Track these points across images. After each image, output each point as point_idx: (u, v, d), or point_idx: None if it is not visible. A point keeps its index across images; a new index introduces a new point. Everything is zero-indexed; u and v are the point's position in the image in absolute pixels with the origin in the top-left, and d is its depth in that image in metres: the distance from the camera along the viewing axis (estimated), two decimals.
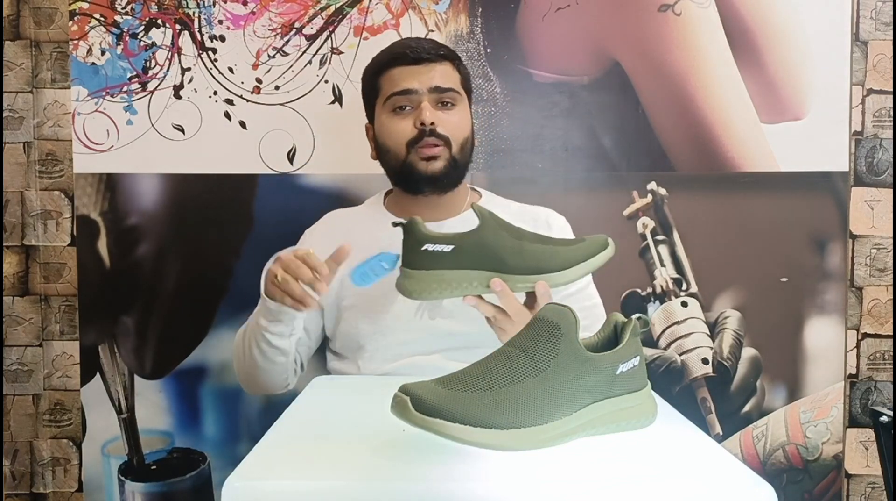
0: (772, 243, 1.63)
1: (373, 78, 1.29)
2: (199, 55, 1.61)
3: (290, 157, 1.61)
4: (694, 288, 1.64)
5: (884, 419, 1.18)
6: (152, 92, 1.61)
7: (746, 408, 1.65)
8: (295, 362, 1.30)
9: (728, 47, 1.60)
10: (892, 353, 1.67)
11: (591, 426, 0.79)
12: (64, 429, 1.68)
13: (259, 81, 1.60)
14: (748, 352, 1.64)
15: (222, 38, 1.60)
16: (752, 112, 1.60)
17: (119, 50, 1.61)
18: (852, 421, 1.67)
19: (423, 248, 1.02)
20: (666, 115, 1.61)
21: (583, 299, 1.29)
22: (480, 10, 1.60)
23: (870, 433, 1.66)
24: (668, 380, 1.64)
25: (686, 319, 1.64)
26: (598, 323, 1.30)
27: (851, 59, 1.62)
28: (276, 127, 1.61)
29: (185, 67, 1.60)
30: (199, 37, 1.60)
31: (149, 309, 1.64)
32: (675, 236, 1.64)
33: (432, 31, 1.60)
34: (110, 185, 1.62)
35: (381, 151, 1.29)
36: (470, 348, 1.19)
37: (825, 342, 1.65)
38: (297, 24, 1.60)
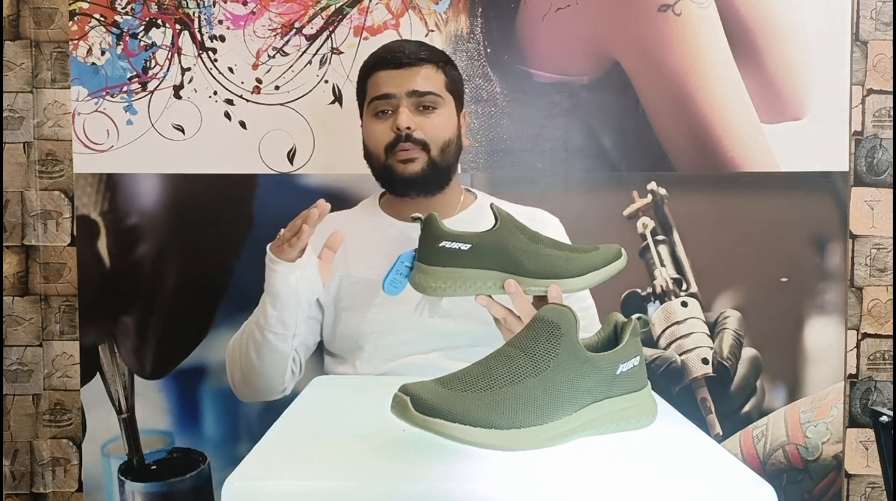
0: (772, 243, 1.63)
1: (361, 81, 1.31)
2: (199, 55, 1.61)
3: (290, 157, 1.61)
4: (694, 288, 1.64)
5: (884, 419, 1.18)
6: (152, 92, 1.61)
7: (746, 408, 1.65)
8: (294, 362, 1.30)
9: (728, 47, 1.60)
10: (892, 353, 1.67)
11: (591, 426, 0.80)
12: (64, 429, 1.68)
13: (259, 81, 1.60)
14: (748, 352, 1.64)
15: (222, 38, 1.60)
16: (752, 112, 1.60)
17: (119, 50, 1.61)
18: (852, 421, 1.67)
19: (440, 245, 1.02)
20: (666, 115, 1.61)
21: (578, 301, 1.29)
22: (480, 10, 1.60)
23: (870, 433, 1.66)
24: (668, 380, 1.64)
25: (686, 319, 1.64)
26: (593, 324, 1.31)
27: (851, 59, 1.62)
28: (275, 127, 1.61)
29: (185, 66, 1.61)
30: (199, 37, 1.60)
31: (149, 309, 1.64)
32: (675, 236, 1.64)
33: (432, 31, 1.60)
34: (110, 185, 1.62)
35: (366, 153, 1.30)
36: (468, 347, 1.20)
37: (825, 342, 1.65)
38: (297, 24, 1.60)
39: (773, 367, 1.64)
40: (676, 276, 1.64)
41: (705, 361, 1.64)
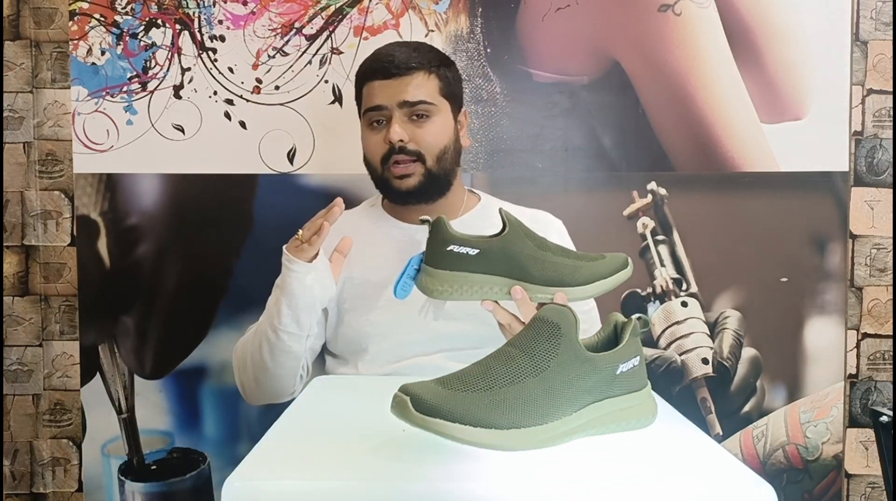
0: (772, 243, 1.63)
1: (358, 87, 1.31)
2: (199, 55, 1.61)
3: (290, 157, 1.61)
4: (694, 288, 1.64)
5: (884, 419, 1.18)
6: (152, 92, 1.61)
7: (746, 408, 1.65)
8: (302, 367, 1.29)
9: (728, 47, 1.60)
10: (892, 353, 1.67)
11: (591, 426, 0.80)
12: (64, 429, 1.68)
13: (259, 81, 1.61)
14: (748, 352, 1.64)
15: (222, 38, 1.60)
16: (752, 112, 1.60)
17: (119, 50, 1.61)
18: (852, 421, 1.67)
19: (447, 248, 1.02)
20: (666, 115, 1.61)
21: (581, 304, 1.29)
22: (480, 10, 1.60)
23: (870, 433, 1.66)
24: (668, 380, 1.64)
25: (686, 319, 1.64)
26: (594, 327, 1.31)
27: (851, 59, 1.62)
28: (275, 127, 1.61)
29: (185, 67, 1.61)
30: (199, 37, 1.60)
31: (149, 309, 1.64)
32: (675, 236, 1.64)
33: (432, 31, 1.60)
34: (110, 185, 1.62)
35: (365, 161, 1.30)
36: (471, 349, 1.20)
37: (825, 342, 1.65)
38: (297, 24, 1.60)
39: (773, 367, 1.64)
40: (676, 276, 1.64)
41: (705, 361, 1.64)
